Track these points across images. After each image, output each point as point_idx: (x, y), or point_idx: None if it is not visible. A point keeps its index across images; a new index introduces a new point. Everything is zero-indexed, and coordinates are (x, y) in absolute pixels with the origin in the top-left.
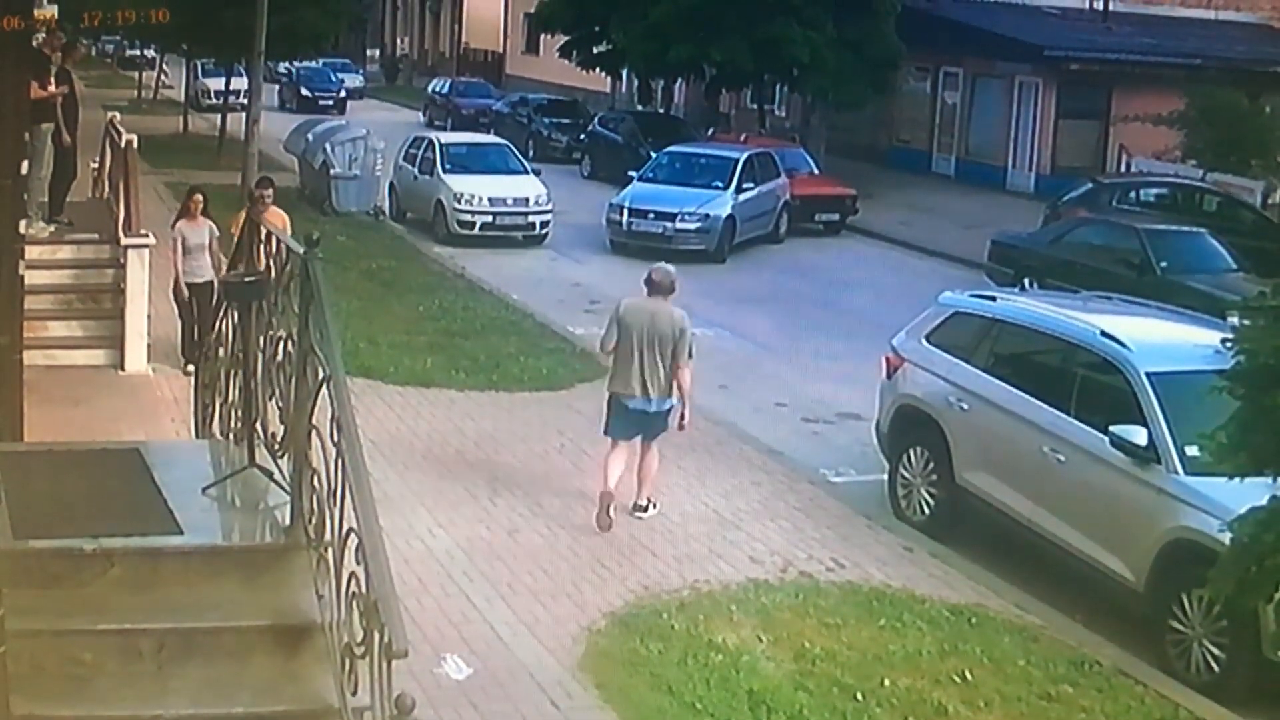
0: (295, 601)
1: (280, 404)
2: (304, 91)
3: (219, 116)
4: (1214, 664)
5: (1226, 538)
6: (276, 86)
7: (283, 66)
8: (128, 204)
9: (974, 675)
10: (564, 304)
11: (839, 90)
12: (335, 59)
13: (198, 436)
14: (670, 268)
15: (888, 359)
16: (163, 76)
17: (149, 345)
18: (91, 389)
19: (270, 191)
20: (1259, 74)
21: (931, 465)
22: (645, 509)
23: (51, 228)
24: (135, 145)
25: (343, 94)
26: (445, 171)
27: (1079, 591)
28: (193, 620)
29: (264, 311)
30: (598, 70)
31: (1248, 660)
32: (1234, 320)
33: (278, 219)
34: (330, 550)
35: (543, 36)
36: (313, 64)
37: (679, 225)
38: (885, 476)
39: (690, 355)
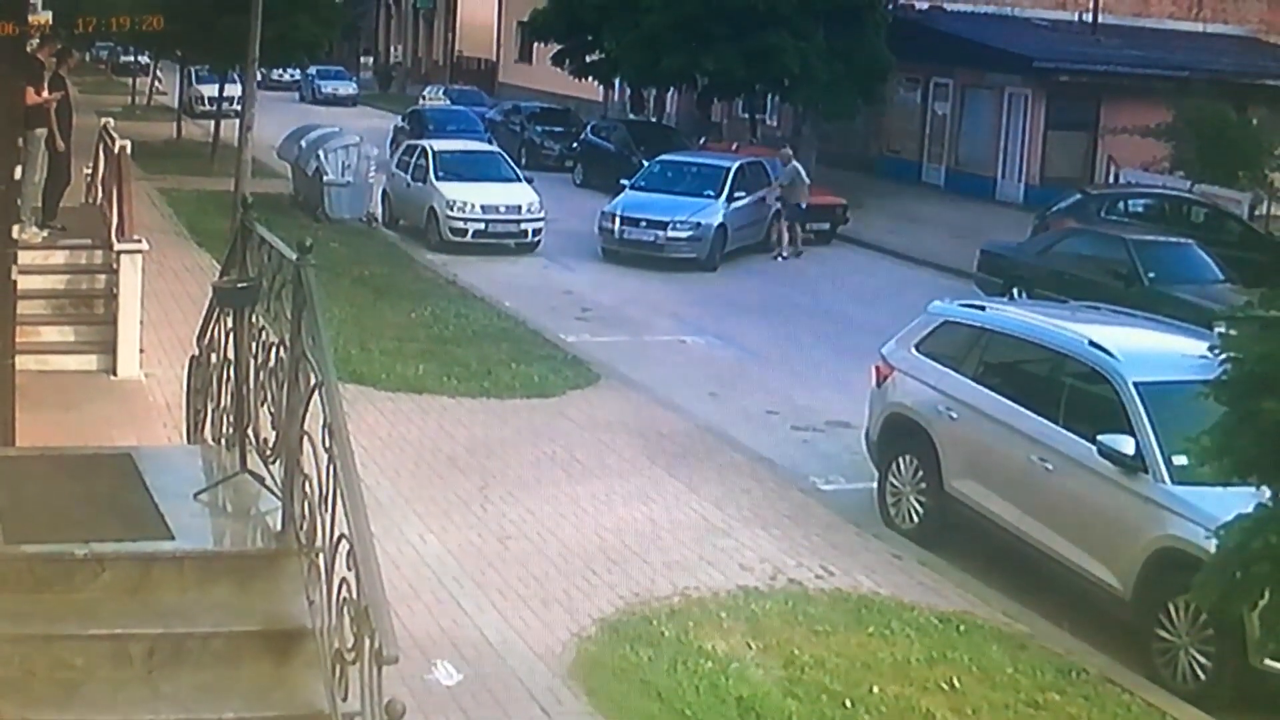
0: (286, 607)
1: (272, 410)
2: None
3: (212, 123)
4: (1200, 672)
5: (1212, 545)
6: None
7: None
8: (121, 210)
9: (962, 683)
10: (556, 311)
11: (830, 100)
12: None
13: (189, 442)
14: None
15: (877, 368)
16: (157, 83)
17: (141, 351)
18: (83, 394)
19: None
20: (1246, 86)
21: (920, 473)
22: None
23: (45, 233)
24: (129, 151)
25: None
26: (438, 179)
27: (1066, 600)
28: (184, 626)
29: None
30: (590, 79)
31: (1234, 668)
32: (1220, 329)
33: None
34: (321, 556)
35: (536, 45)
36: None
37: (670, 233)
38: (874, 484)
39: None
